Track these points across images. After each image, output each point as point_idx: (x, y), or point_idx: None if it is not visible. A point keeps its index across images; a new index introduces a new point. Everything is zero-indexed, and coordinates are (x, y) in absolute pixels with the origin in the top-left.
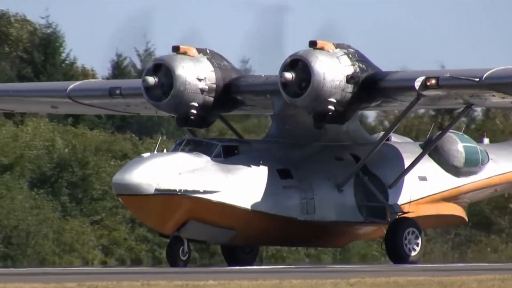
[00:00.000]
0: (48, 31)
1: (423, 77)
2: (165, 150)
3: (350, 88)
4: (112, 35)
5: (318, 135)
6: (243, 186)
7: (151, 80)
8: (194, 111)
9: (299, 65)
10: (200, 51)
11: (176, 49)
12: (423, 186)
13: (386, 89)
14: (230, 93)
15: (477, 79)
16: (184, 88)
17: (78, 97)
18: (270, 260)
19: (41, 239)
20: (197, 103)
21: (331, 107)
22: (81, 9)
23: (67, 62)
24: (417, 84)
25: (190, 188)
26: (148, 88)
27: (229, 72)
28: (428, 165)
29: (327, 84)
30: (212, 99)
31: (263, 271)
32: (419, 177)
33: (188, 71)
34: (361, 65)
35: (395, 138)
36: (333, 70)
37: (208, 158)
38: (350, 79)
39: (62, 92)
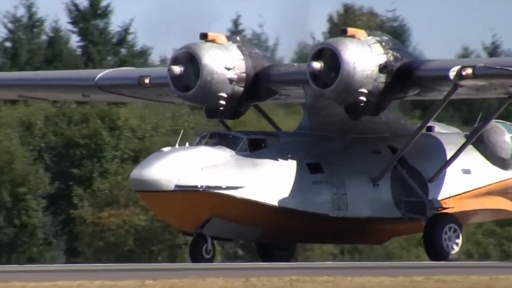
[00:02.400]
0: (395, 24)
1: (458, 67)
2: (187, 144)
3: (383, 77)
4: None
5: (354, 127)
6: (270, 181)
7: (177, 69)
8: (223, 102)
9: (328, 54)
10: (229, 38)
11: (204, 36)
12: (467, 179)
13: (421, 78)
14: (261, 82)
15: None
16: (211, 78)
17: (107, 86)
18: None
19: None
20: (226, 94)
21: (363, 98)
22: (427, 2)
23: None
24: (452, 73)
25: (212, 184)
26: (174, 78)
27: (260, 61)
28: (472, 157)
29: (357, 74)
30: (241, 89)
31: None
32: (462, 170)
33: (216, 60)
34: (395, 53)
35: (439, 128)
36: (364, 59)
37: (233, 152)
38: (382, 68)
39: (90, 81)
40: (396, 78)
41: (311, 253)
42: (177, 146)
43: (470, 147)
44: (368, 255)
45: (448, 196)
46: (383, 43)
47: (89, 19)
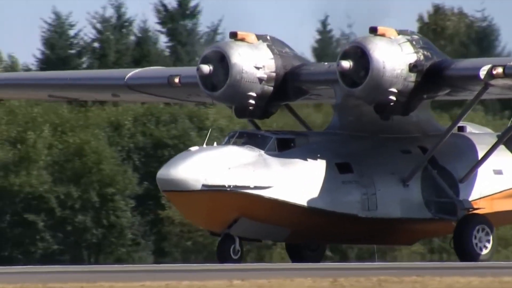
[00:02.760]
0: (484, 24)
1: (489, 66)
2: (215, 143)
3: (413, 77)
4: None
5: (384, 127)
6: (298, 181)
7: (206, 68)
8: (252, 102)
9: (358, 52)
10: (259, 37)
11: (233, 35)
12: (499, 180)
13: (451, 78)
14: (291, 82)
15: None
16: (240, 77)
17: (137, 85)
18: None
19: None
20: (255, 93)
21: (393, 98)
22: None
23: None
24: (482, 73)
25: (240, 184)
26: (203, 77)
27: (290, 60)
28: (504, 158)
29: (387, 73)
30: (271, 88)
31: None
32: (494, 170)
33: (246, 59)
34: (425, 52)
35: (472, 129)
36: (394, 58)
37: (261, 152)
38: (412, 67)
39: (120, 80)
40: (426, 77)
41: (398, 253)
42: (204, 145)
43: (502, 148)
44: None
45: (479, 196)
46: (414, 42)
47: (177, 20)
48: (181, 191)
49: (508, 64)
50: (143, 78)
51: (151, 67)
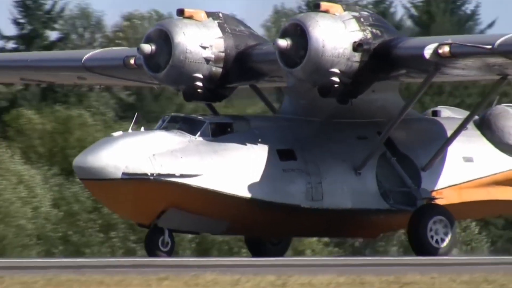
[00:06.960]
0: None
1: (435, 44)
2: (142, 128)
3: (357, 56)
4: None
5: (343, 111)
6: (232, 169)
7: (147, 48)
8: (200, 84)
9: (297, 31)
10: (210, 15)
11: (180, 12)
12: (468, 168)
13: (399, 58)
14: (242, 62)
15: (489, 46)
16: (184, 57)
17: (94, 67)
18: None
19: None
20: (202, 75)
21: (335, 79)
22: None
23: None
24: (428, 52)
25: (164, 172)
26: (147, 58)
27: (244, 39)
28: (476, 144)
29: (327, 53)
30: (220, 70)
31: None
32: (463, 157)
33: (191, 38)
34: (374, 30)
35: (450, 113)
36: (335, 36)
37: (193, 137)
38: (357, 46)
39: (77, 62)
40: (374, 57)
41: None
42: (130, 130)
43: (475, 133)
44: None
45: (444, 186)
46: (361, 19)
47: None
48: (100, 180)
49: (453, 42)
50: (100, 59)
51: (110, 48)
